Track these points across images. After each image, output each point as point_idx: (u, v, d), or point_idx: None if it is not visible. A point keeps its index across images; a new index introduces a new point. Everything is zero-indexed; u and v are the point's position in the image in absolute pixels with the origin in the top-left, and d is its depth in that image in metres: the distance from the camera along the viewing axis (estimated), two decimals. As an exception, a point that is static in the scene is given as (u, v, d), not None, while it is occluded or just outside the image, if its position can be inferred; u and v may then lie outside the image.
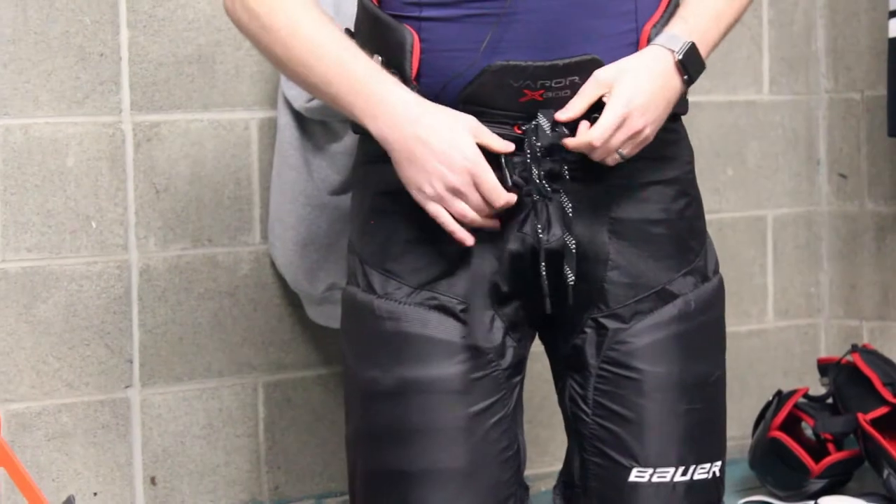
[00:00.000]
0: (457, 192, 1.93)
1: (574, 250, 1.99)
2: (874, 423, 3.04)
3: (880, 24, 3.37)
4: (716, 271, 2.12)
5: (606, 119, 1.93)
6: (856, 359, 3.14)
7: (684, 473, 2.04)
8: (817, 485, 3.07)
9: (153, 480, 2.88)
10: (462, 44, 1.98)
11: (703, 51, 2.00)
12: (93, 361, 2.82)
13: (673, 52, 1.98)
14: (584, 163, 1.99)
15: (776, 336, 3.56)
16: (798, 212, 3.61)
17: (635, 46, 2.02)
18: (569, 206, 1.99)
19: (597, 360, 2.06)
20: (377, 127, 1.95)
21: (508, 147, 1.94)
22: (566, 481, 2.13)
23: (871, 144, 3.52)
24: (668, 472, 2.03)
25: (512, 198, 1.94)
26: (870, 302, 3.55)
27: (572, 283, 2.00)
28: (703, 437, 2.06)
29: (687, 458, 2.04)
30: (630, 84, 1.95)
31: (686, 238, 2.08)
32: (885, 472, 2.99)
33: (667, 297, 2.05)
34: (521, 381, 2.10)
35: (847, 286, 3.60)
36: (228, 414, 2.93)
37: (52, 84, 2.77)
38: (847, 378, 3.15)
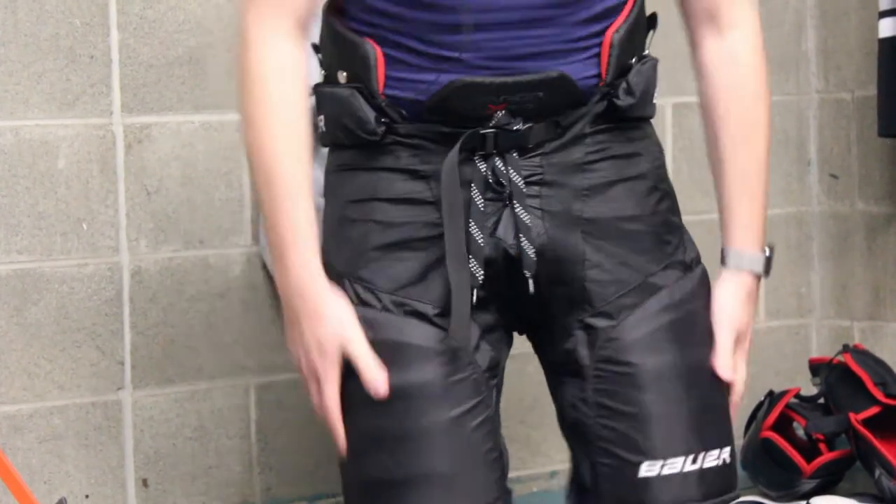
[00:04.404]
0: (313, 377, 2.02)
1: (533, 256, 2.00)
2: (866, 422, 3.04)
3: (870, 24, 3.35)
4: (697, 262, 2.13)
5: (743, 374, 2.07)
6: (847, 359, 3.15)
7: (694, 462, 2.03)
8: (809, 485, 3.08)
9: (145, 482, 2.88)
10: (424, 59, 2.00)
11: (765, 235, 2.10)
12: (84, 364, 2.83)
13: (757, 274, 2.08)
14: (549, 168, 2.00)
15: (767, 336, 3.56)
16: (789, 212, 3.61)
17: (598, 55, 2.02)
18: (525, 216, 2.00)
19: (591, 360, 2.06)
20: (278, 280, 2.03)
21: (378, 387, 1.99)
22: (578, 488, 2.12)
23: (861, 144, 3.53)
24: (677, 462, 2.02)
25: (381, 390, 1.98)
26: (861, 302, 3.55)
27: (532, 290, 2.02)
28: (708, 424, 2.06)
29: (694, 446, 2.03)
30: (743, 334, 2.07)
31: (662, 232, 2.09)
32: (877, 472, 2.99)
33: (651, 290, 2.05)
34: (500, 385, 2.10)
35: (838, 286, 3.60)
36: (220, 416, 2.93)
37: (43, 86, 2.78)
38: (838, 378, 3.16)
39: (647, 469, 2.01)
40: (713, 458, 2.03)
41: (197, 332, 2.93)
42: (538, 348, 2.16)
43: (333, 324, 1.97)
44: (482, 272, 1.99)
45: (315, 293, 1.98)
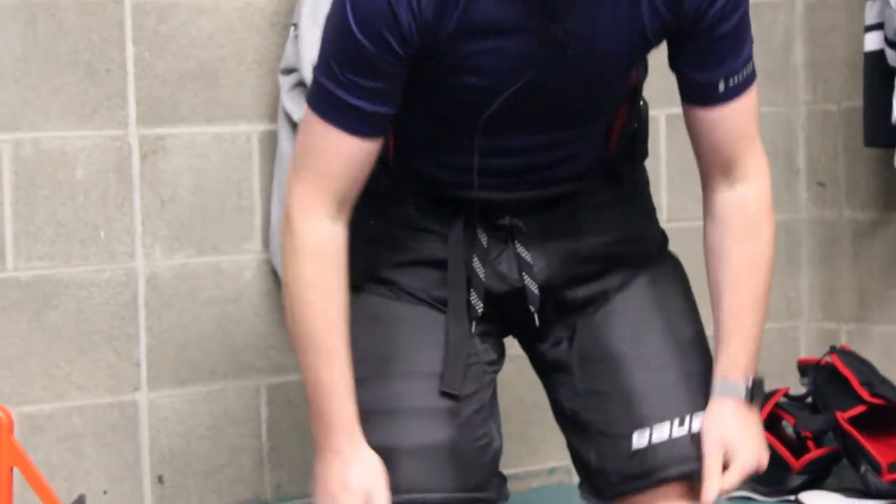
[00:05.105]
0: None
1: (537, 292, 2.08)
2: (852, 421, 3.07)
3: (856, 38, 3.37)
4: (667, 252, 2.19)
5: (732, 483, 2.04)
6: (834, 360, 3.17)
7: (681, 424, 2.06)
8: (798, 480, 3.09)
9: (160, 479, 2.89)
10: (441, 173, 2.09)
11: (755, 369, 2.08)
12: (102, 365, 2.84)
13: (742, 401, 2.05)
14: (546, 215, 2.09)
15: None
16: (778, 219, 3.36)
17: (607, 139, 2.10)
18: (525, 254, 2.08)
19: (575, 351, 2.12)
20: (315, 431, 2.04)
21: None
22: (586, 474, 2.15)
23: (848, 154, 3.53)
24: (664, 426, 2.06)
25: None
26: (847, 305, 3.56)
27: (538, 323, 2.10)
28: (695, 389, 2.09)
29: (681, 410, 2.07)
30: (740, 448, 2.04)
31: (643, 239, 2.17)
32: (863, 468, 3.02)
33: (624, 280, 2.12)
34: (495, 381, 2.14)
35: (825, 290, 3.60)
36: (232, 415, 2.94)
37: (62, 99, 2.80)
38: (826, 378, 3.17)
39: (638, 438, 2.06)
40: (700, 421, 2.06)
41: (210, 335, 2.93)
42: (529, 349, 2.21)
43: (365, 471, 2.00)
44: (482, 305, 2.07)
45: (351, 450, 2.00)
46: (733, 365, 2.06)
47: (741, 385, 2.05)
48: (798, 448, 3.13)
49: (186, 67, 2.91)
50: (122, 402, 2.87)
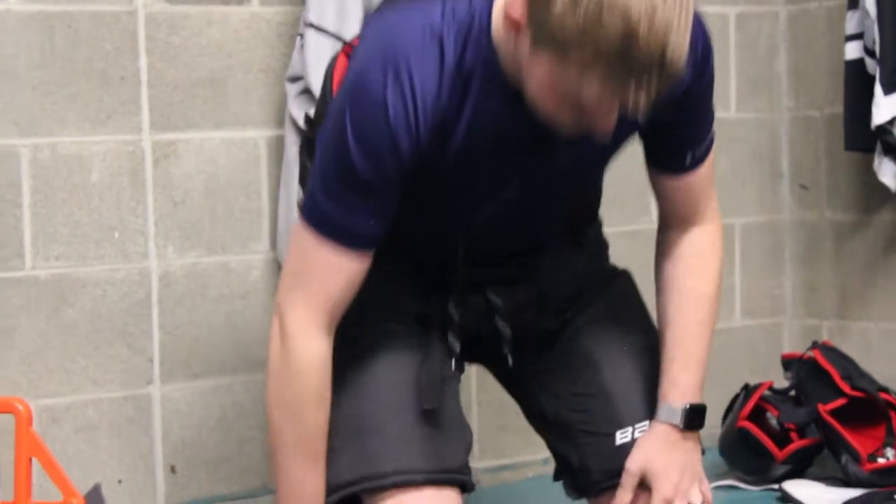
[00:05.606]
0: None
1: (509, 333, 2.11)
2: (833, 413, 3.08)
3: (837, 47, 3.40)
4: (618, 272, 2.24)
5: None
6: (816, 355, 3.18)
7: None
8: (781, 470, 3.11)
9: (173, 469, 2.90)
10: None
11: (697, 396, 2.05)
12: (116, 360, 2.86)
13: (675, 426, 2.03)
14: (499, 274, 2.14)
15: (743, 334, 3.59)
16: (763, 220, 3.62)
17: (572, 221, 2.14)
18: (496, 299, 2.10)
19: (552, 362, 2.17)
20: None
21: None
22: (570, 472, 2.16)
23: (829, 158, 3.56)
24: (643, 425, 2.08)
25: None
26: (829, 303, 3.59)
27: (511, 362, 2.13)
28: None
29: (654, 410, 2.09)
30: (661, 476, 2.02)
31: (601, 269, 2.24)
32: (843, 458, 3.03)
33: (589, 300, 2.18)
34: (458, 386, 2.17)
35: (808, 288, 3.64)
36: (241, 408, 2.96)
37: (78, 106, 2.81)
38: (808, 372, 3.18)
39: (621, 436, 2.09)
40: None
41: (219, 332, 2.95)
42: (496, 367, 2.24)
43: None
44: (458, 345, 2.09)
45: None
46: (673, 388, 2.05)
47: (678, 408, 2.03)
48: (782, 439, 3.15)
49: (197, 76, 2.92)
50: (136, 396, 2.88)
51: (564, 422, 2.16)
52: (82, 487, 2.49)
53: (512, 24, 1.81)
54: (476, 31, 1.87)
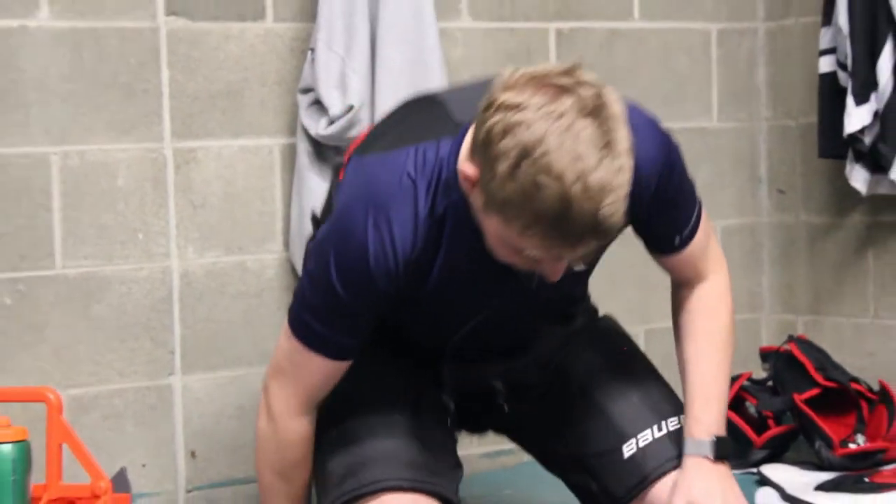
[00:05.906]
0: None
1: (503, 389, 2.20)
2: (808, 402, 3.13)
3: (812, 61, 3.42)
4: (598, 316, 2.32)
5: None
6: (792, 348, 3.23)
7: (659, 430, 2.15)
8: (759, 455, 3.13)
9: (193, 454, 2.94)
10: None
11: (721, 431, 2.09)
12: (140, 353, 2.88)
13: (706, 457, 2.07)
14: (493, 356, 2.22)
15: None
16: (742, 222, 3.66)
17: (559, 319, 2.21)
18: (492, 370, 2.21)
19: (548, 404, 2.24)
20: None
21: None
22: (592, 502, 2.18)
23: (804, 164, 3.58)
24: (646, 434, 2.14)
25: None
26: (804, 299, 3.63)
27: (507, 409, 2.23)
28: (656, 401, 2.19)
29: (653, 420, 2.16)
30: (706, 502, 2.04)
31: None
32: (817, 444, 3.08)
33: (571, 335, 2.26)
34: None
35: (784, 286, 3.67)
36: (257, 398, 2.64)
37: (104, 116, 2.83)
38: (784, 364, 3.23)
39: (628, 449, 2.14)
40: (674, 423, 2.17)
41: (237, 326, 2.97)
42: (509, 432, 2.31)
43: None
44: (453, 403, 2.18)
45: None
46: (696, 424, 2.09)
47: (706, 441, 2.07)
48: (759, 426, 3.18)
49: (215, 88, 2.93)
50: (159, 386, 2.90)
51: (575, 455, 2.19)
52: (109, 471, 2.52)
53: (466, 181, 1.85)
54: (444, 178, 1.91)
